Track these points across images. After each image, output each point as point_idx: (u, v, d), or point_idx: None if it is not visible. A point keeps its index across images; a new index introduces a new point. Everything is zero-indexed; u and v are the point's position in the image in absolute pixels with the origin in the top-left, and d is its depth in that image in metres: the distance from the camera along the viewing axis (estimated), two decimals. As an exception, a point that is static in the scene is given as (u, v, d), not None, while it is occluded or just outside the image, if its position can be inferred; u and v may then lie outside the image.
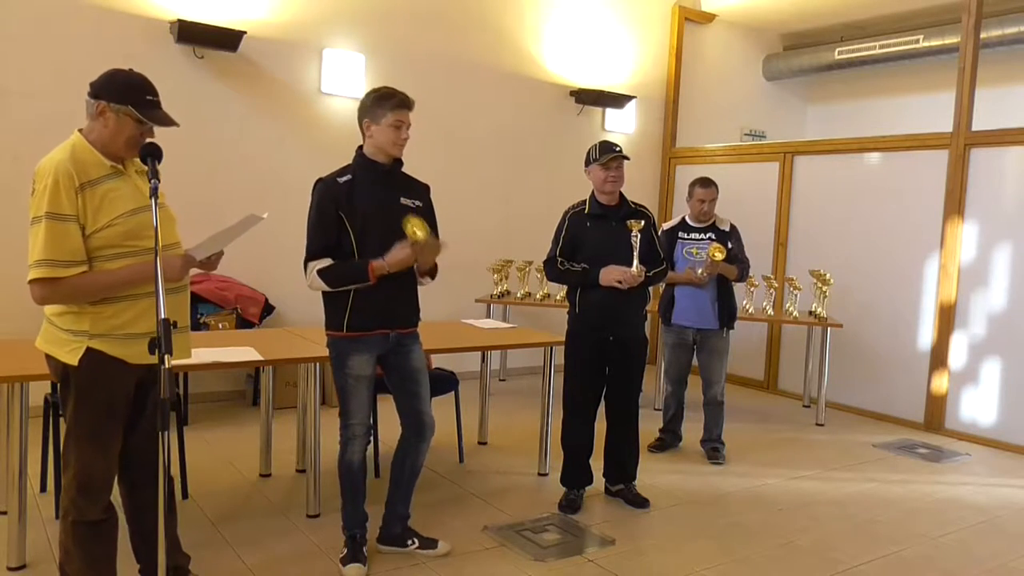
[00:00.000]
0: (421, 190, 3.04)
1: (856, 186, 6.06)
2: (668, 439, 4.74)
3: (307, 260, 2.85)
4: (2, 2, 4.54)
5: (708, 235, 4.55)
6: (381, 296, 2.84)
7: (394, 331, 2.93)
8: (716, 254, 4.34)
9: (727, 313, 4.55)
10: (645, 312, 3.80)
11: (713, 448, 4.59)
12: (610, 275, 3.50)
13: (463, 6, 6.21)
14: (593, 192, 3.68)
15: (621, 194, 3.67)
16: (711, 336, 4.56)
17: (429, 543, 3.11)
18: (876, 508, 3.94)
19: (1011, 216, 5.20)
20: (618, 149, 3.60)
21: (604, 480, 3.87)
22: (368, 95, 2.88)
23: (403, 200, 2.93)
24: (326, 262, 2.82)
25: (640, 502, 3.74)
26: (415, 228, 2.75)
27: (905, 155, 5.79)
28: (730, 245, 4.51)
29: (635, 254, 3.51)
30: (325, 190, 2.85)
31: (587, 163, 3.67)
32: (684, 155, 7.38)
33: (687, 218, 4.64)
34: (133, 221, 2.19)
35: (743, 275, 4.62)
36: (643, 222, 3.54)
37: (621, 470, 3.82)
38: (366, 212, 2.83)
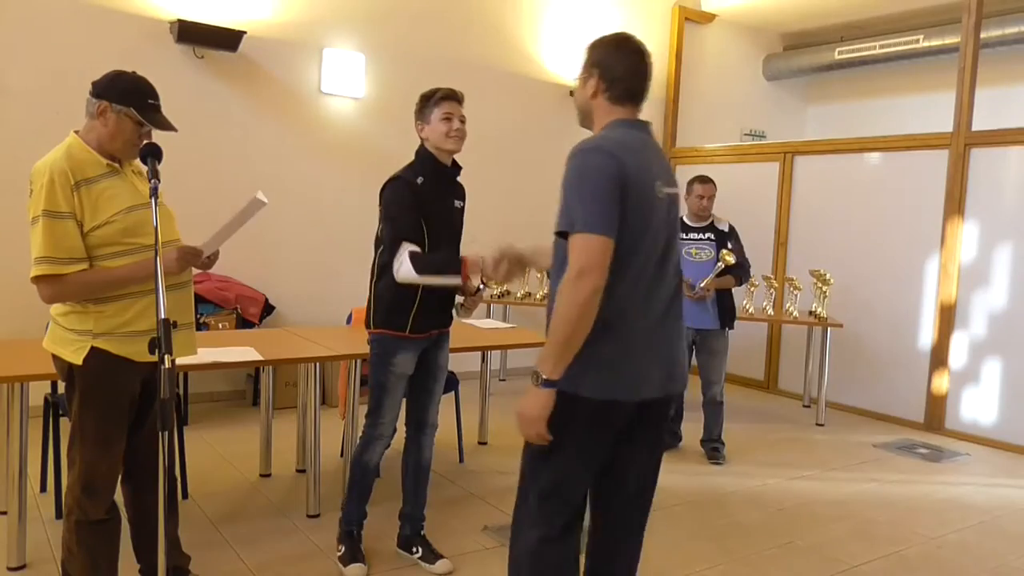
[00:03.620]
0: (463, 192, 3.07)
1: (856, 186, 6.06)
2: (668, 439, 4.73)
3: (395, 240, 2.74)
4: (2, 2, 4.54)
5: (707, 235, 4.54)
6: (441, 297, 2.88)
7: (440, 330, 2.99)
8: (728, 258, 4.37)
9: (726, 313, 4.54)
10: None
11: (713, 448, 4.59)
12: None
13: (463, 6, 6.21)
14: None
15: None
16: (710, 336, 4.56)
17: (430, 557, 3.03)
18: (876, 508, 3.94)
19: (1011, 216, 5.21)
20: None
21: None
22: (418, 99, 2.88)
23: (456, 203, 2.98)
24: (415, 247, 2.74)
25: None
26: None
27: (905, 155, 5.79)
28: (730, 245, 4.50)
29: None
30: (406, 189, 2.79)
31: None
32: (684, 155, 7.38)
33: (685, 217, 4.62)
34: (130, 219, 2.20)
35: (743, 280, 4.59)
36: None
37: None
38: (435, 216, 2.84)
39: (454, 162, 2.95)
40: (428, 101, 2.85)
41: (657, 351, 2.01)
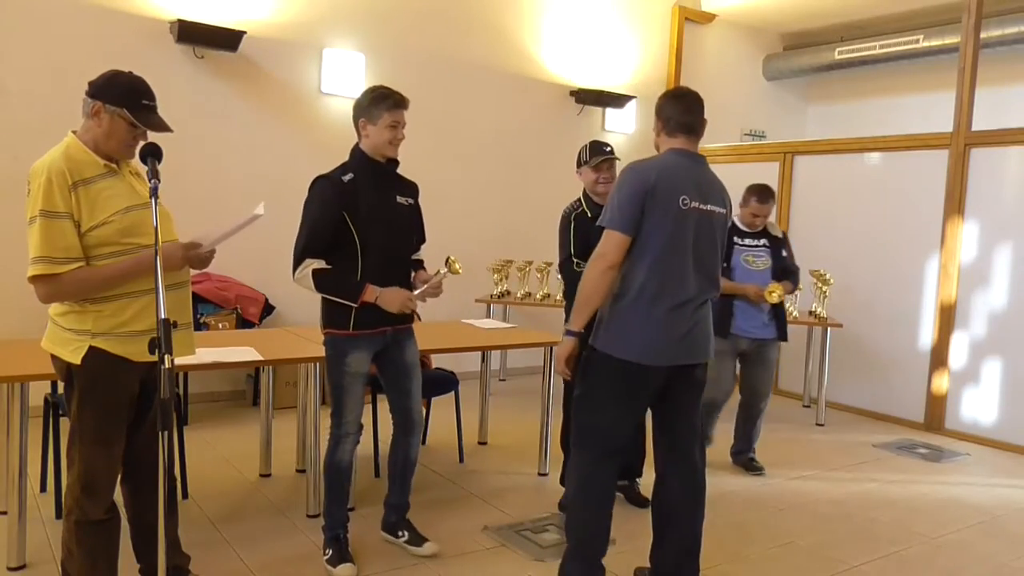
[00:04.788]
0: (413, 189, 3.07)
1: (856, 186, 6.06)
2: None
3: (303, 255, 2.82)
4: (2, 2, 4.54)
5: (761, 241, 4.38)
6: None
7: (393, 328, 2.95)
8: (774, 297, 4.15)
9: (782, 324, 4.37)
10: None
11: (750, 458, 4.45)
12: None
13: (463, 6, 6.21)
14: (586, 192, 3.65)
15: None
16: (767, 346, 4.36)
17: (417, 540, 3.11)
18: (876, 508, 3.94)
19: (1011, 216, 5.21)
20: (608, 150, 3.56)
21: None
22: (364, 94, 2.88)
23: (399, 199, 2.97)
24: (321, 263, 2.80)
25: (641, 502, 3.74)
26: (455, 264, 2.89)
27: (905, 155, 5.79)
28: (784, 253, 4.36)
29: None
30: (330, 188, 2.82)
31: (578, 164, 3.64)
32: (684, 155, 7.37)
33: (738, 221, 4.40)
34: (128, 219, 2.20)
35: (797, 284, 4.46)
36: None
37: (628, 466, 3.83)
38: (370, 212, 2.84)
39: (389, 159, 2.94)
40: (378, 103, 2.83)
41: (676, 329, 2.61)
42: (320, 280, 2.80)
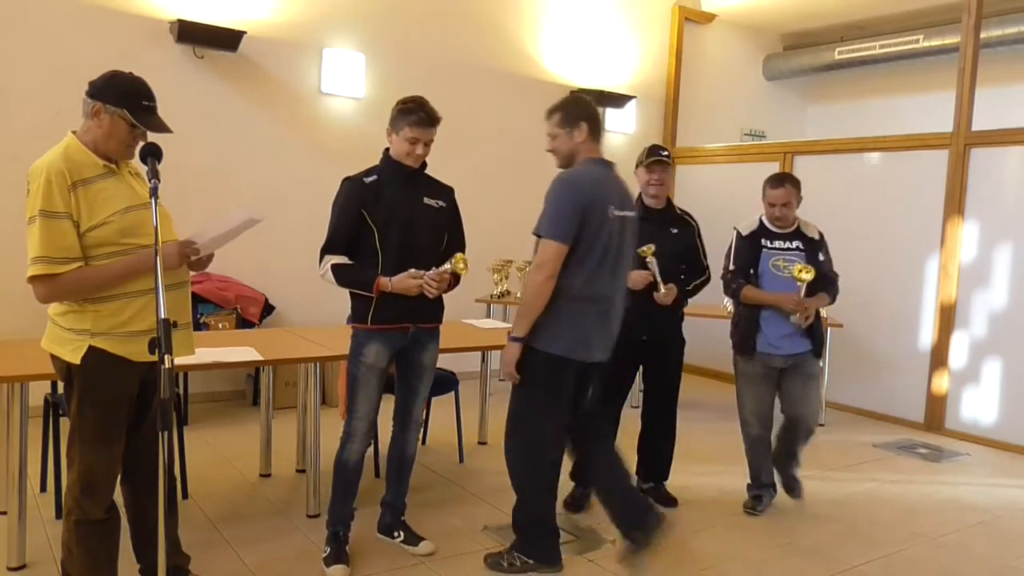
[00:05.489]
0: (446, 192, 3.09)
1: (856, 186, 6.06)
2: (767, 496, 3.87)
3: (325, 251, 2.92)
4: (2, 2, 4.54)
5: (794, 243, 3.74)
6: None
7: (416, 325, 2.98)
8: (804, 275, 3.53)
9: (819, 337, 3.79)
10: (681, 312, 3.83)
11: (791, 486, 3.90)
12: (633, 281, 3.46)
13: (463, 6, 6.21)
14: (640, 195, 3.73)
15: (668, 199, 3.81)
16: (804, 360, 3.73)
17: (412, 539, 3.14)
18: (876, 508, 3.94)
19: (1011, 216, 5.21)
20: (665, 154, 3.67)
21: (637, 477, 3.86)
22: (398, 102, 2.94)
23: (427, 200, 2.99)
24: (342, 259, 2.89)
25: (669, 501, 3.79)
26: (459, 262, 2.88)
27: (905, 155, 5.79)
28: (821, 258, 3.75)
29: (657, 279, 3.56)
30: (352, 188, 2.92)
31: (636, 166, 3.76)
32: (684, 155, 7.38)
33: (765, 220, 3.79)
34: (127, 219, 2.20)
35: (835, 297, 3.85)
36: (653, 246, 3.53)
37: (657, 468, 3.86)
38: (390, 211, 2.89)
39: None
40: (404, 116, 2.89)
41: (605, 329, 2.90)
42: (338, 274, 2.89)
